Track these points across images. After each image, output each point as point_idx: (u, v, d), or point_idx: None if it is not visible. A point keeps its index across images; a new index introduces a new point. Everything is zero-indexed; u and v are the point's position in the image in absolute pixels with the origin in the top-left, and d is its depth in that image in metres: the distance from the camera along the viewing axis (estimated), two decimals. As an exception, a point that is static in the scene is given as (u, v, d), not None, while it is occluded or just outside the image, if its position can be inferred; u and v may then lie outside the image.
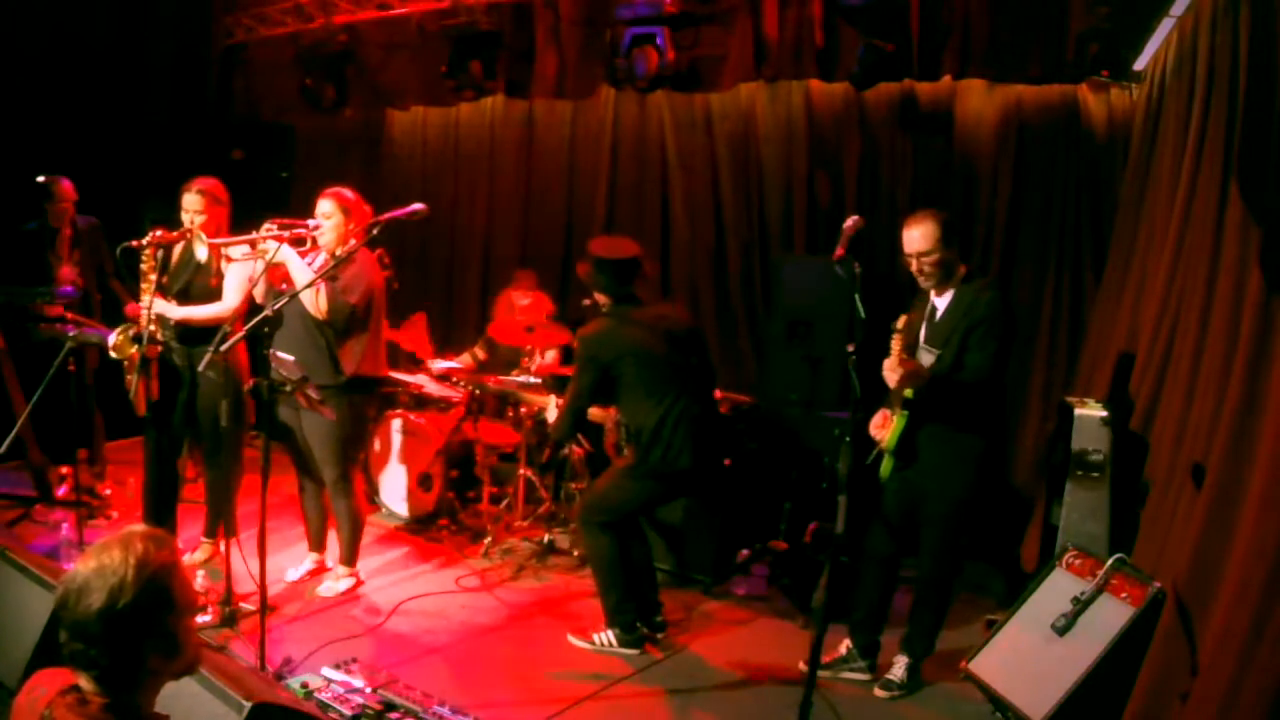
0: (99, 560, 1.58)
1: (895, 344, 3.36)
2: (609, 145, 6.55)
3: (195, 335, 4.22)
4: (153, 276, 4.16)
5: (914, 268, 3.49)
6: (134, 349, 4.16)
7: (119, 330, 4.24)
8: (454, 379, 5.65)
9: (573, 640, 3.96)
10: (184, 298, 4.23)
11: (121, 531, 1.64)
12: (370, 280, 4.09)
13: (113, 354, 4.20)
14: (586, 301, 4.18)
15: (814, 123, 5.86)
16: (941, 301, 3.51)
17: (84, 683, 1.60)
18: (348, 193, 4.11)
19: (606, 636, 3.94)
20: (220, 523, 4.42)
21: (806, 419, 4.90)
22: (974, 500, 3.52)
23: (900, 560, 3.72)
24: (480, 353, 5.88)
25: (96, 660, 1.57)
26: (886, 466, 3.61)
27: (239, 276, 4.22)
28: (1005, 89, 5.36)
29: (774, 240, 6.01)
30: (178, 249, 4.34)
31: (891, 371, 3.34)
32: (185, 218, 4.21)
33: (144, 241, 4.09)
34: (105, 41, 6.52)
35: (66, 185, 5.22)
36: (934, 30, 4.71)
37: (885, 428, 3.56)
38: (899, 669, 3.63)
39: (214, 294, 4.24)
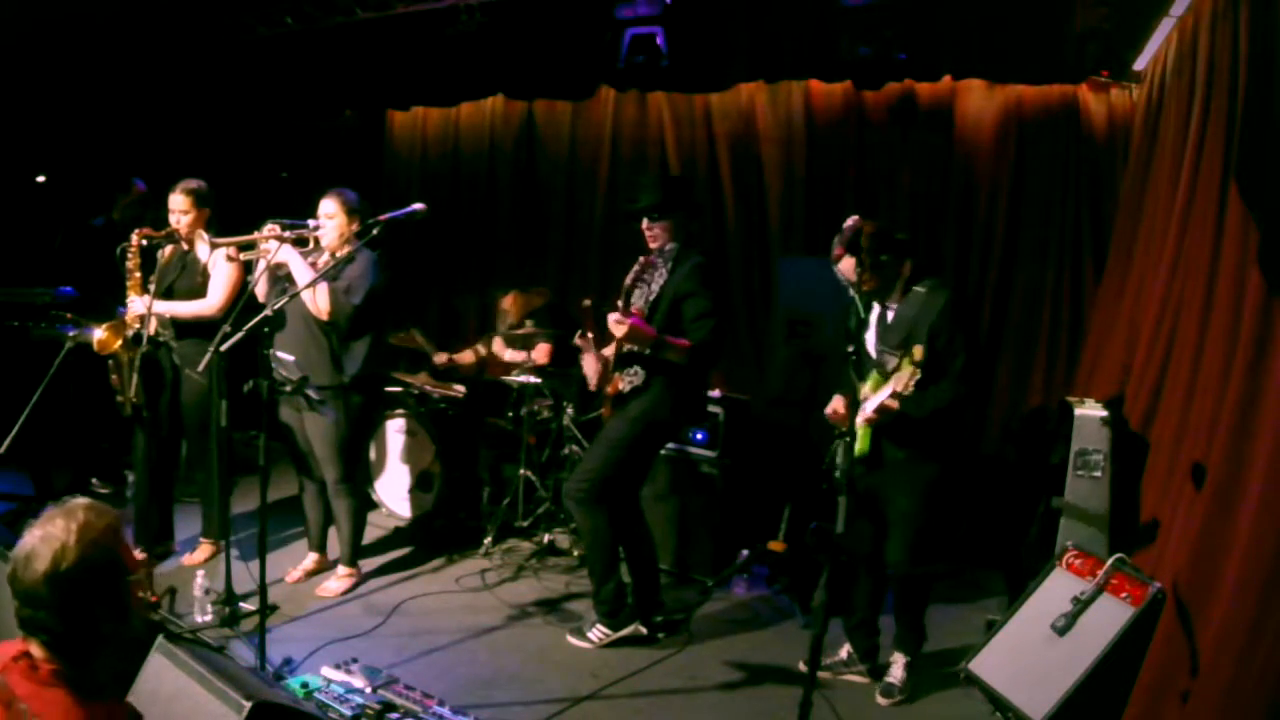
0: (44, 529, 1.68)
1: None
2: (609, 145, 6.55)
3: (185, 334, 4.23)
4: (138, 275, 4.18)
5: (851, 290, 3.43)
6: (118, 344, 4.17)
7: (105, 327, 4.24)
8: (462, 367, 5.68)
9: (572, 640, 3.97)
10: (169, 296, 4.27)
11: (65, 504, 1.74)
12: (373, 281, 4.08)
13: (98, 350, 4.20)
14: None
15: (814, 123, 5.87)
16: (892, 303, 3.44)
17: (35, 649, 1.67)
18: (350, 193, 4.11)
19: (601, 630, 3.95)
20: (218, 523, 4.43)
21: (806, 419, 4.89)
22: (938, 495, 3.45)
23: (885, 559, 3.69)
24: (483, 349, 5.89)
25: (46, 624, 1.65)
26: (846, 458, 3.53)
27: (225, 275, 4.23)
28: (1005, 89, 5.37)
29: (774, 240, 6.01)
30: (168, 248, 4.36)
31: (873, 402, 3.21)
32: (172, 218, 4.24)
33: (130, 241, 4.12)
34: (105, 42, 6.52)
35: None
36: (934, 30, 4.71)
37: (844, 415, 3.47)
38: (898, 669, 3.61)
39: (199, 292, 4.26)
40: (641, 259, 4.00)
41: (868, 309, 3.47)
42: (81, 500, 1.76)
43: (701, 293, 3.71)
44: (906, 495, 3.44)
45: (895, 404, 3.15)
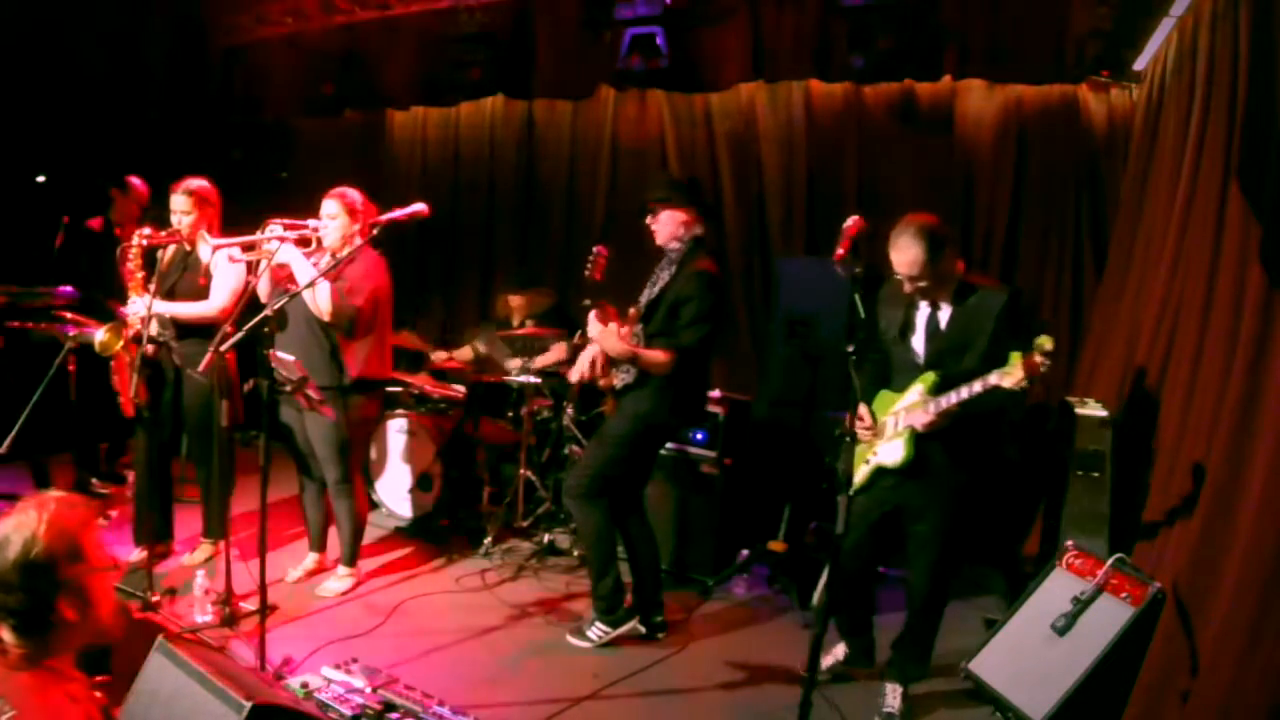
0: (17, 519, 1.78)
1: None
2: (609, 145, 6.55)
3: (186, 334, 4.23)
4: (140, 275, 4.18)
5: (906, 286, 3.23)
6: (119, 346, 4.17)
7: (106, 328, 4.24)
8: (459, 369, 5.67)
9: (572, 640, 3.97)
10: (170, 297, 4.25)
11: (40, 495, 1.84)
12: (376, 282, 4.09)
13: (100, 352, 4.20)
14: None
15: (814, 123, 5.87)
16: (943, 302, 3.26)
17: (5, 634, 1.76)
18: (353, 193, 4.11)
19: (600, 629, 3.96)
20: (218, 523, 4.43)
21: (806, 419, 4.90)
22: (965, 505, 3.32)
23: (875, 567, 3.59)
24: (480, 346, 5.89)
25: (15, 609, 1.74)
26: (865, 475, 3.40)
27: (228, 277, 4.23)
28: (1005, 89, 5.37)
29: (774, 240, 6.01)
30: (170, 249, 4.35)
31: (925, 414, 3.11)
32: (174, 218, 4.23)
33: (134, 242, 4.12)
34: (105, 42, 6.53)
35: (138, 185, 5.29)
36: (934, 30, 4.71)
37: (871, 429, 3.34)
38: (894, 699, 3.48)
39: (201, 293, 4.25)
40: (596, 249, 3.95)
41: (868, 308, 3.25)
42: (55, 492, 1.85)
43: (700, 298, 3.70)
44: (939, 507, 3.28)
45: (956, 406, 3.05)
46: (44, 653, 1.77)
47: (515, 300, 5.67)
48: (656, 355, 3.73)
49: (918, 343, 3.30)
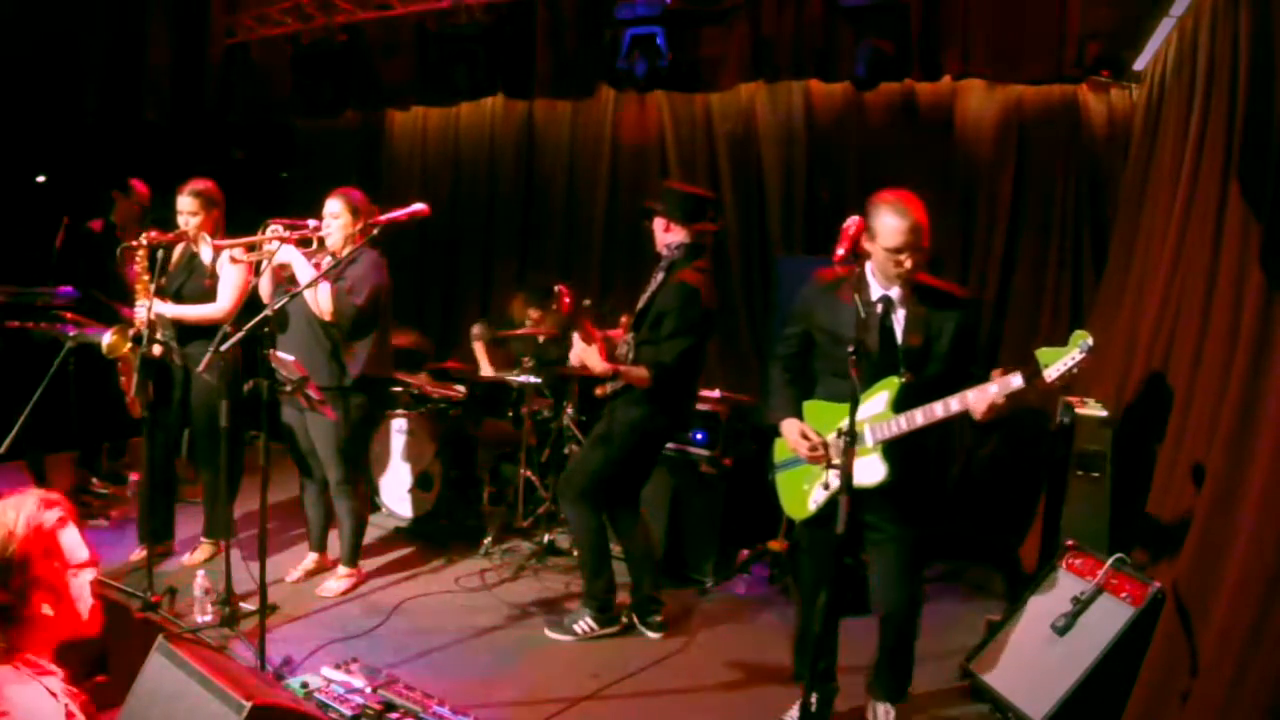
0: None
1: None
2: (609, 145, 6.55)
3: (191, 335, 4.23)
4: (146, 277, 4.18)
5: (898, 263, 2.88)
6: (127, 348, 4.17)
7: (113, 330, 4.24)
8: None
9: (550, 634, 3.99)
10: (177, 299, 4.25)
11: (17, 493, 1.88)
12: (377, 281, 4.09)
13: (107, 354, 4.20)
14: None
15: (814, 123, 5.87)
16: (898, 303, 2.98)
17: None
18: (355, 192, 4.12)
19: (587, 623, 3.98)
20: (219, 523, 4.42)
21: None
22: (929, 513, 3.11)
23: (887, 600, 3.21)
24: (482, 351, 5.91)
25: None
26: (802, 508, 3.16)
27: (234, 278, 4.23)
28: (1005, 89, 5.37)
29: (774, 240, 6.01)
30: (176, 250, 4.35)
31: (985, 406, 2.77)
32: (180, 219, 4.23)
33: (137, 243, 4.12)
34: (105, 42, 6.53)
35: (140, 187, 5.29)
36: (934, 30, 4.71)
37: (820, 450, 2.97)
38: (887, 718, 3.31)
39: (207, 295, 4.25)
40: (557, 288, 3.93)
41: (868, 308, 2.99)
42: (35, 491, 1.90)
43: (678, 313, 3.74)
44: (910, 518, 3.06)
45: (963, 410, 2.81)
46: (19, 646, 1.80)
47: (534, 314, 5.65)
48: (638, 372, 3.79)
49: (873, 346, 2.94)
